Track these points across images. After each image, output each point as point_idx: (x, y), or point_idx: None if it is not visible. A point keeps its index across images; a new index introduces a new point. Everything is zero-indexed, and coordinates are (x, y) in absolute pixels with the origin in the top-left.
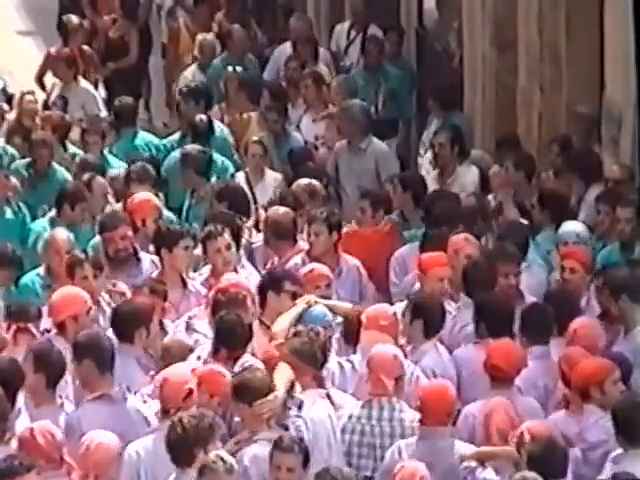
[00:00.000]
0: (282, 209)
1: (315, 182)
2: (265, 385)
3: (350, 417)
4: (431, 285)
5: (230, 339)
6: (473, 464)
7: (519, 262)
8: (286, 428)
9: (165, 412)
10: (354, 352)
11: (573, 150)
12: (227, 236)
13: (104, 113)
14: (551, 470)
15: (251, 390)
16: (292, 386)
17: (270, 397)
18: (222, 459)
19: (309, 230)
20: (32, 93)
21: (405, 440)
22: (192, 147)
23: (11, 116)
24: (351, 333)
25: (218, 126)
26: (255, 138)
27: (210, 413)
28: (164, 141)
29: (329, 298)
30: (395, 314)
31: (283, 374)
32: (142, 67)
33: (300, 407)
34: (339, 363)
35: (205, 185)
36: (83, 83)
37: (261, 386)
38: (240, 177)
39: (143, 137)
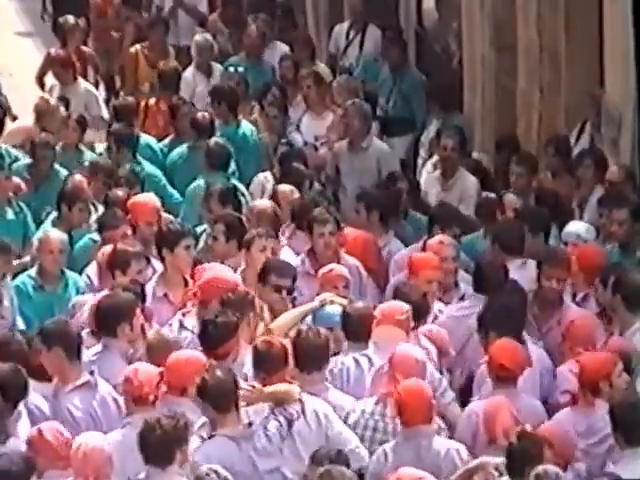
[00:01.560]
0: (265, 202)
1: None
2: (225, 384)
3: (363, 412)
4: (420, 287)
5: (203, 338)
6: None
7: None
8: (250, 424)
9: (140, 399)
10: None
11: (591, 149)
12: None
13: (105, 114)
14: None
15: (210, 391)
16: (286, 397)
17: (249, 387)
18: (215, 472)
19: (315, 231)
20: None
21: (389, 443)
22: (213, 140)
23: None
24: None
25: (247, 126)
26: (283, 140)
27: (182, 412)
28: (160, 144)
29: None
30: (409, 310)
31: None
32: None
33: (290, 424)
34: (354, 358)
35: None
36: (84, 84)
37: (220, 386)
38: (268, 177)
39: (143, 138)
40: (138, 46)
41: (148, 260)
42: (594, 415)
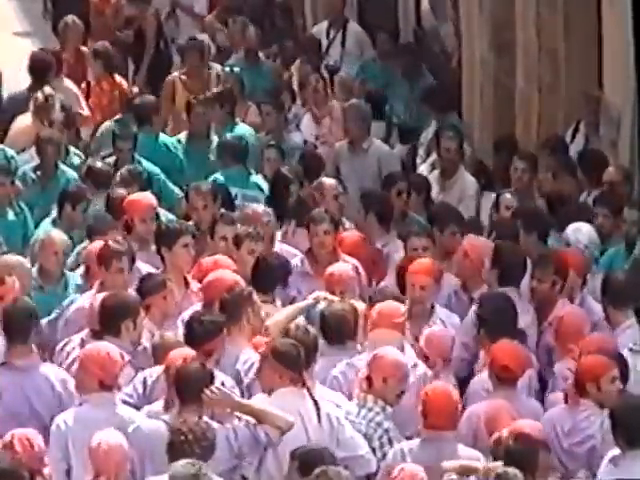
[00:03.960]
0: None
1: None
2: (198, 376)
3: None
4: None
5: (187, 335)
6: (454, 477)
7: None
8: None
9: (105, 386)
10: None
11: (586, 150)
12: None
13: (86, 111)
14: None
15: (184, 381)
16: (269, 419)
17: (221, 393)
18: (192, 464)
19: (311, 230)
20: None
21: (408, 442)
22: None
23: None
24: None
25: (243, 128)
26: (271, 142)
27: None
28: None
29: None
30: (405, 312)
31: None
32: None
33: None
34: (342, 372)
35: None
36: (66, 81)
37: (194, 377)
38: (259, 179)
39: (160, 137)
40: (176, 74)
41: (133, 260)
42: (579, 415)
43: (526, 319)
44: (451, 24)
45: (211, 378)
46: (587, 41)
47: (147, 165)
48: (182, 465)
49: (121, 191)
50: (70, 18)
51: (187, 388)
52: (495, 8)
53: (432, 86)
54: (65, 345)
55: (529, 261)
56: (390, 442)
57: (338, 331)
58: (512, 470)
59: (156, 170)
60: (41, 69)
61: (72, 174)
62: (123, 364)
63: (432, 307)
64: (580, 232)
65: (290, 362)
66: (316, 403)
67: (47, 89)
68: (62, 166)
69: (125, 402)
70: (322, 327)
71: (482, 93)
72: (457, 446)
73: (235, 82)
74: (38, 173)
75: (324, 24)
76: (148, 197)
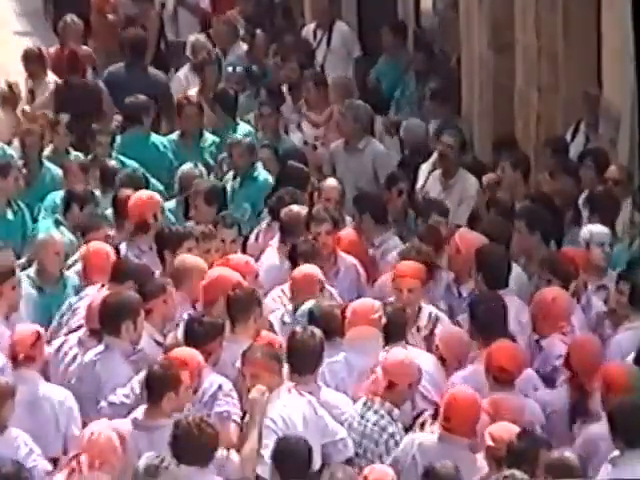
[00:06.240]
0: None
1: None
2: (166, 379)
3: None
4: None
5: (187, 335)
6: None
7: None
8: None
9: (14, 360)
10: None
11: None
12: None
13: None
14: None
15: (152, 383)
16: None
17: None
18: (155, 456)
19: (312, 230)
20: None
21: (423, 435)
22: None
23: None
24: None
25: (244, 128)
26: (265, 142)
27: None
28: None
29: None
30: (380, 308)
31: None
32: None
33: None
34: (327, 366)
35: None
36: (51, 77)
37: (161, 379)
38: None
39: (152, 137)
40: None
41: None
42: None
43: (523, 318)
44: (450, 24)
45: (177, 381)
46: (586, 41)
47: (128, 162)
48: (147, 457)
49: (128, 192)
50: (69, 17)
51: (151, 389)
52: (494, 8)
53: (443, 85)
54: (62, 345)
55: (535, 261)
56: (397, 445)
57: (327, 328)
58: (519, 474)
59: (137, 166)
60: (139, 46)
61: (57, 171)
62: (34, 339)
63: (419, 308)
64: (596, 232)
65: (277, 357)
66: (302, 395)
67: (10, 79)
68: (47, 163)
69: (122, 403)
70: (311, 324)
71: (481, 93)
72: (470, 455)
73: (237, 81)
74: (24, 170)
75: (311, 26)
76: (154, 194)
